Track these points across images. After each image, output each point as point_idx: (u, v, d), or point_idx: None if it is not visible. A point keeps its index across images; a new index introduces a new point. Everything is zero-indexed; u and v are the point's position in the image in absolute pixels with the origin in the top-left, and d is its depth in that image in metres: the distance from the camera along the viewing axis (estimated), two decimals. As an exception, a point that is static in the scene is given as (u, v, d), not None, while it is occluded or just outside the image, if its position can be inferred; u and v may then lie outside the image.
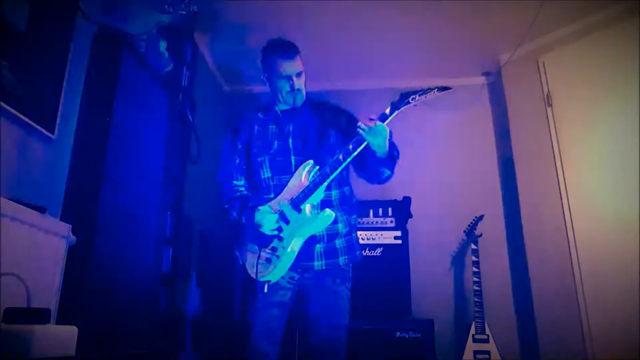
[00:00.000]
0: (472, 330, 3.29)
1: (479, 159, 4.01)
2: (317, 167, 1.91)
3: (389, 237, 3.33)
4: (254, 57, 3.86)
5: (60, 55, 2.10)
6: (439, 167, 4.00)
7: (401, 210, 3.41)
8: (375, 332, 3.04)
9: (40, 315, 1.46)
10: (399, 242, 3.31)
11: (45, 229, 1.77)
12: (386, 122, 1.77)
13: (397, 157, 1.92)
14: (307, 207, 1.89)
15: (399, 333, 3.03)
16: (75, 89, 2.23)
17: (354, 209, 2.07)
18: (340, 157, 1.82)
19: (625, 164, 2.95)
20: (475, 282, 3.35)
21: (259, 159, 2.03)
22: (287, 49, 2.01)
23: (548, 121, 3.45)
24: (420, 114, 4.11)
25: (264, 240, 1.92)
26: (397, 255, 3.28)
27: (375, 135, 1.76)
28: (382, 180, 1.97)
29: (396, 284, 3.20)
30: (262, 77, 2.10)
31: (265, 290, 1.88)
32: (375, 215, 3.42)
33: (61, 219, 2.01)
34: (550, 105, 3.46)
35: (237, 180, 2.09)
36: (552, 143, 3.40)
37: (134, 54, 2.46)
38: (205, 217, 3.64)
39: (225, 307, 3.76)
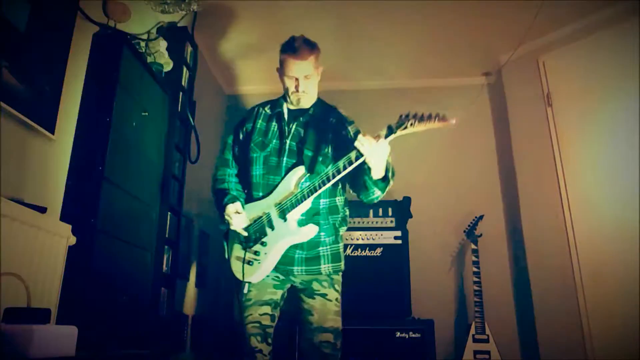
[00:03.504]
0: (472, 330, 3.30)
1: (479, 159, 4.01)
2: (308, 175, 1.89)
3: (389, 237, 3.33)
4: (253, 57, 3.90)
5: (60, 55, 2.10)
6: (439, 167, 4.00)
7: (401, 210, 3.41)
8: (376, 332, 3.04)
9: (40, 315, 1.46)
10: (399, 242, 3.31)
11: (45, 229, 1.77)
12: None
13: (391, 178, 1.86)
14: (292, 217, 1.87)
15: (399, 333, 3.04)
16: (75, 89, 2.23)
17: (345, 220, 2.03)
18: (331, 174, 1.78)
19: (625, 164, 2.95)
20: (475, 282, 3.35)
21: (254, 155, 2.02)
22: (300, 49, 1.96)
23: (548, 121, 3.45)
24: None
25: (248, 242, 1.93)
26: (397, 255, 3.28)
27: (374, 153, 1.70)
28: (370, 200, 1.92)
29: (396, 284, 3.20)
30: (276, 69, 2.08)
31: (245, 291, 1.90)
32: (375, 215, 3.42)
33: (61, 219, 2.01)
34: (550, 105, 3.46)
35: (232, 169, 2.10)
36: (552, 143, 3.40)
37: (134, 54, 2.46)
38: (205, 217, 3.65)
39: (225, 307, 3.77)
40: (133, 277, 2.42)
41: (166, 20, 2.96)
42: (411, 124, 1.65)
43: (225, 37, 3.62)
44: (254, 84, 4.31)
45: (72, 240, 1.90)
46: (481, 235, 3.49)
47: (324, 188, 1.81)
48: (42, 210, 1.82)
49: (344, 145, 1.90)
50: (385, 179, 1.83)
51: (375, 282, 3.19)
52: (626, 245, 2.86)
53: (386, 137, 1.69)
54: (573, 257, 3.14)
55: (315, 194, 1.82)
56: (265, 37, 3.57)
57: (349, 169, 1.76)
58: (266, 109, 2.11)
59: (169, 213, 2.86)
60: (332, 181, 1.79)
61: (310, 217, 1.91)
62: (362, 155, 1.71)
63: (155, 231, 2.68)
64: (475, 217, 3.53)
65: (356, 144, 1.70)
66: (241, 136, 2.11)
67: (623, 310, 2.81)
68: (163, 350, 2.69)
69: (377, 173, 1.78)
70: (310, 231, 1.87)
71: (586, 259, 3.09)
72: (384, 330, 3.05)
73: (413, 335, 3.03)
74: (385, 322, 3.08)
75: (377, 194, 1.88)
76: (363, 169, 1.80)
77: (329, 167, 1.82)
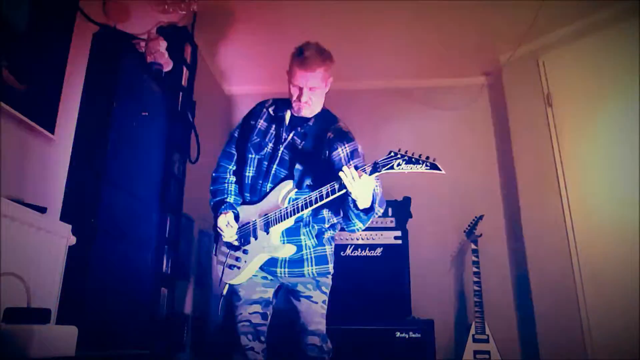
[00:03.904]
0: (472, 330, 3.30)
1: (479, 159, 4.01)
2: (296, 191, 1.87)
3: (389, 237, 3.33)
4: (253, 57, 3.90)
5: (60, 55, 2.10)
6: (439, 167, 3.99)
7: (401, 210, 3.41)
8: (376, 332, 3.04)
9: (40, 315, 1.46)
10: (399, 242, 3.31)
11: (45, 229, 1.77)
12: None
13: (379, 207, 1.82)
14: (274, 232, 1.86)
15: (399, 333, 3.03)
16: (75, 89, 2.23)
17: (333, 226, 1.98)
18: (313, 198, 1.75)
19: (625, 164, 2.95)
20: (475, 282, 3.35)
21: (249, 156, 2.00)
22: (308, 60, 1.90)
23: (548, 121, 3.45)
24: (421, 113, 4.13)
25: (233, 246, 1.95)
26: (397, 255, 3.27)
27: (357, 187, 1.65)
28: (351, 231, 1.91)
29: (396, 284, 3.20)
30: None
31: (224, 292, 1.96)
32: (375, 215, 3.42)
33: (61, 219, 2.01)
34: (550, 105, 3.46)
35: (233, 164, 2.09)
36: (552, 143, 3.40)
37: (134, 54, 2.46)
38: (205, 217, 3.64)
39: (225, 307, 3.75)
40: (133, 277, 2.43)
41: (166, 20, 2.96)
42: (398, 164, 1.62)
43: (225, 37, 3.62)
44: (254, 84, 4.30)
45: (72, 240, 1.91)
46: (481, 235, 3.49)
47: (306, 211, 1.79)
48: (42, 210, 1.82)
49: (335, 166, 1.86)
50: (370, 210, 1.79)
51: (375, 282, 3.19)
52: (626, 245, 2.85)
53: (370, 173, 1.66)
54: (573, 258, 3.14)
55: (298, 214, 1.80)
56: (265, 36, 3.57)
57: (331, 197, 1.73)
58: (270, 110, 2.06)
59: (169, 213, 2.86)
60: (314, 206, 1.76)
61: (293, 228, 1.89)
62: (345, 187, 1.68)
63: (155, 231, 2.68)
64: (475, 217, 3.53)
65: (340, 174, 1.66)
66: (246, 131, 2.07)
67: (623, 310, 2.81)
68: (163, 350, 2.69)
69: (362, 203, 1.75)
70: (289, 250, 1.86)
71: (586, 259, 3.09)
72: (384, 330, 3.04)
73: (413, 335, 3.02)
74: (385, 322, 3.07)
75: (358, 226, 1.87)
76: (347, 200, 1.77)
77: (314, 191, 1.78)
